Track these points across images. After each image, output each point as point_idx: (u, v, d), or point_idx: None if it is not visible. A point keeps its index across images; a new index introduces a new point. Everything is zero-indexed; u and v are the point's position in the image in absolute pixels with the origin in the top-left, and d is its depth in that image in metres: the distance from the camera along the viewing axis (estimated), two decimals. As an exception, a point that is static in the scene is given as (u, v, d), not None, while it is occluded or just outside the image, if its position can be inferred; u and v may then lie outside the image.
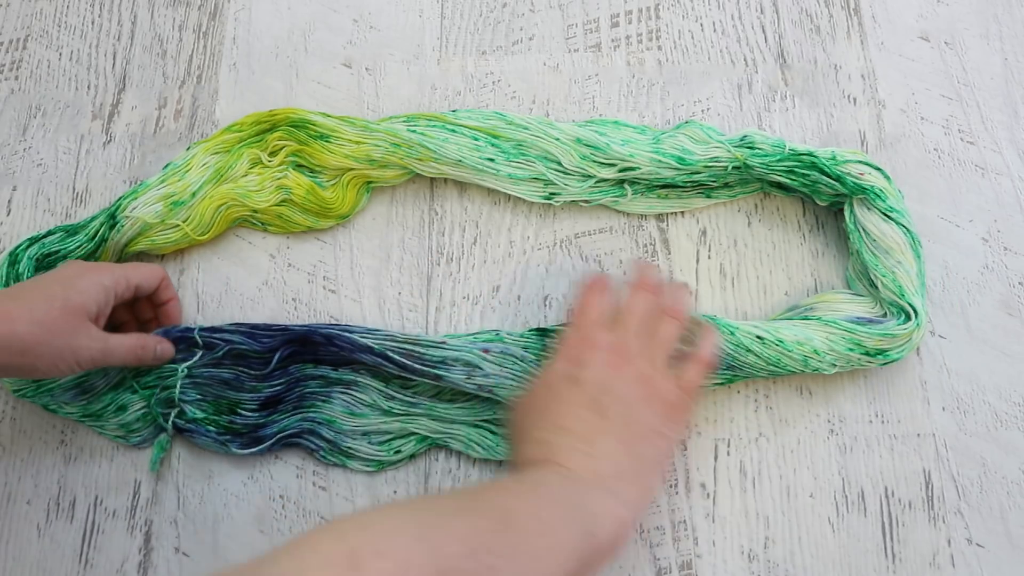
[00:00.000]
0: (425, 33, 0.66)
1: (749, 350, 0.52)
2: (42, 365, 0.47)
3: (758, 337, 0.52)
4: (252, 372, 0.54)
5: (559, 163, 0.58)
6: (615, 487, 0.43)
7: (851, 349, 0.53)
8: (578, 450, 0.43)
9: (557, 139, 0.58)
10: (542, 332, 0.54)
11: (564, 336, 0.49)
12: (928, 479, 0.53)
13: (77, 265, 0.52)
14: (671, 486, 0.53)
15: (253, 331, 0.55)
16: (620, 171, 0.58)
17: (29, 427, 0.55)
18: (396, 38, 0.65)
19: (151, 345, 0.53)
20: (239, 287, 0.59)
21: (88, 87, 0.64)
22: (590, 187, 0.59)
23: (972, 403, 0.55)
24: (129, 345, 0.51)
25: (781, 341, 0.52)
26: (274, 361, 0.54)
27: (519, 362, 0.52)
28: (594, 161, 0.58)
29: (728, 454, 0.54)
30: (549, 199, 0.59)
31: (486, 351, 0.52)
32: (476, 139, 0.59)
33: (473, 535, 0.34)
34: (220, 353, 0.54)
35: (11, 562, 0.52)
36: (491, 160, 0.58)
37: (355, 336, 0.53)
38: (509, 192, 0.59)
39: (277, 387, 0.54)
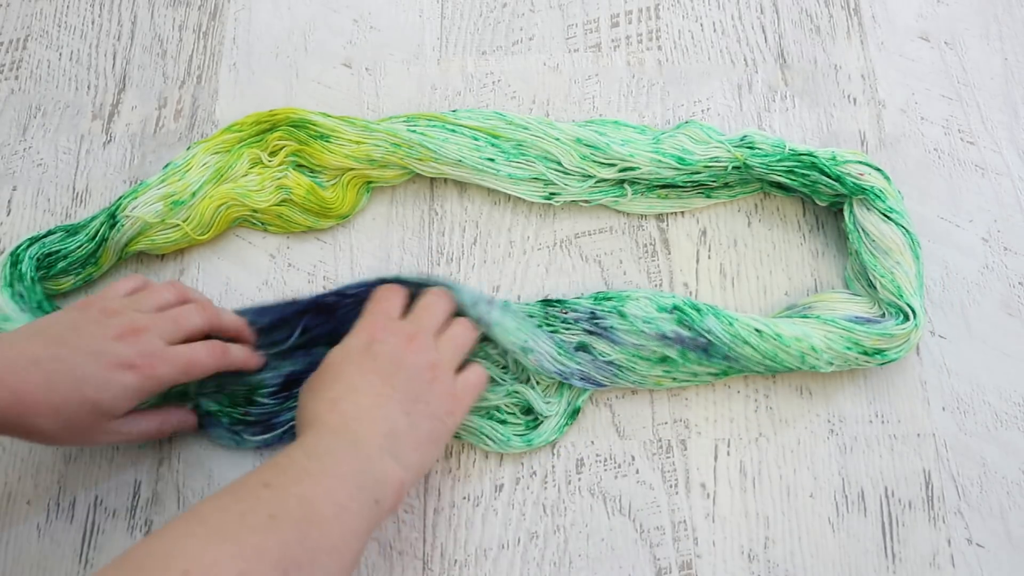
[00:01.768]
0: (425, 33, 0.66)
1: (746, 342, 0.52)
2: (44, 443, 0.47)
3: (756, 330, 0.52)
4: (273, 351, 0.54)
5: (559, 163, 0.58)
6: (396, 451, 0.45)
7: (849, 348, 0.53)
8: (364, 413, 0.46)
9: (557, 139, 0.58)
10: (547, 303, 0.55)
11: (361, 319, 0.51)
12: (928, 479, 0.53)
13: (117, 355, 0.46)
14: (671, 486, 0.53)
15: (263, 307, 0.55)
16: (620, 171, 0.58)
17: (29, 427, 0.55)
18: (396, 38, 0.65)
19: (174, 424, 0.52)
20: (239, 287, 0.59)
21: (88, 87, 0.64)
22: (590, 187, 0.59)
23: (972, 403, 0.55)
24: (152, 430, 0.50)
25: (779, 336, 0.52)
26: (295, 334, 0.53)
27: (524, 319, 0.54)
28: (594, 161, 0.58)
29: (728, 454, 0.54)
30: (549, 199, 0.59)
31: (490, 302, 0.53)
32: (476, 139, 0.59)
33: (287, 551, 0.37)
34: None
35: (11, 562, 0.52)
36: (491, 160, 0.58)
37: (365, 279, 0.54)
38: (509, 192, 0.59)
39: (297, 366, 0.54)
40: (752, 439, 0.55)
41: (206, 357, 0.49)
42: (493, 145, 0.59)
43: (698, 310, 0.53)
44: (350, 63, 0.65)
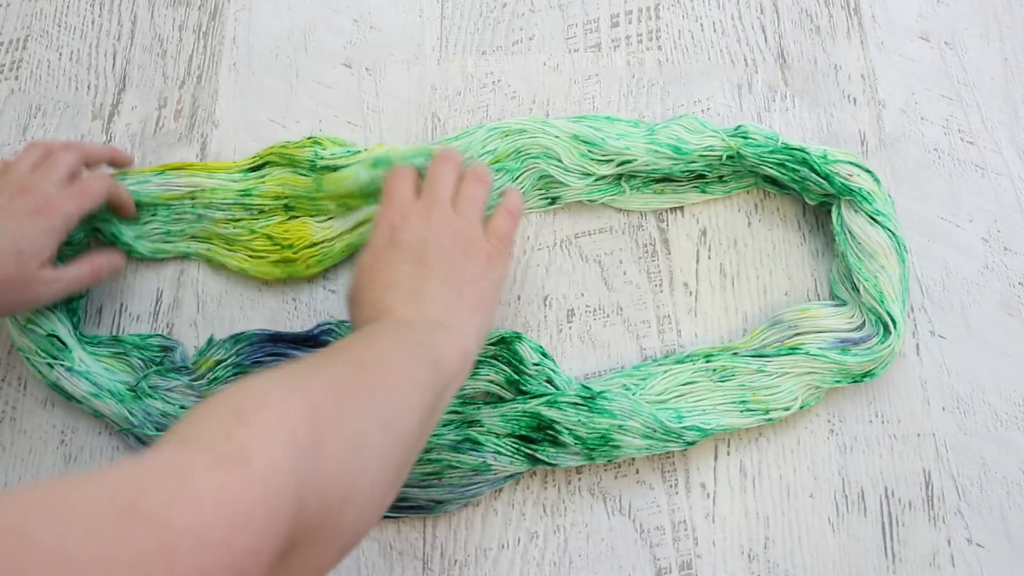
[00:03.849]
0: (425, 33, 0.66)
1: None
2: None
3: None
4: None
5: (559, 160, 0.58)
6: (449, 323, 0.46)
7: (839, 381, 0.53)
8: (407, 301, 0.46)
9: (556, 136, 0.58)
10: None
11: (379, 213, 0.51)
12: (928, 479, 0.53)
13: (29, 198, 0.50)
14: (671, 486, 0.53)
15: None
16: (618, 165, 0.58)
17: (29, 427, 0.55)
18: (396, 38, 0.65)
19: (104, 267, 0.55)
20: (239, 287, 0.59)
21: (88, 87, 0.64)
22: (589, 185, 0.59)
23: (972, 403, 0.55)
24: (85, 275, 0.53)
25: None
26: None
27: None
28: (592, 158, 0.58)
29: (728, 454, 0.54)
30: (552, 204, 0.59)
31: None
32: None
33: (336, 381, 0.38)
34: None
35: (11, 562, 0.52)
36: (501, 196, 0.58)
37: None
38: None
39: None
40: (752, 439, 0.55)
41: (96, 183, 0.53)
42: (498, 170, 0.58)
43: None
44: (350, 63, 0.65)
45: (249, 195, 0.58)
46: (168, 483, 0.29)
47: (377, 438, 0.37)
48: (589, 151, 0.58)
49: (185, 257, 0.59)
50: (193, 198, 0.58)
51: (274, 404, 0.33)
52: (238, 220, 0.58)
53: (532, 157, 0.59)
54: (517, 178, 0.59)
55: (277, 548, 0.31)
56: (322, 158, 0.57)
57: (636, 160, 0.57)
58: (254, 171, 0.59)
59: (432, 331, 0.45)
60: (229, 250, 0.58)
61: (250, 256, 0.58)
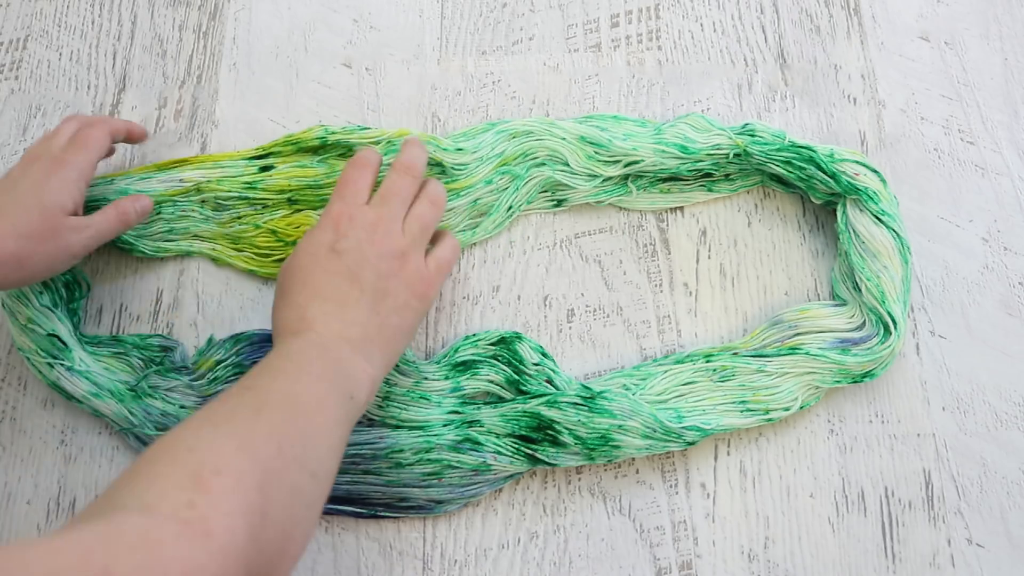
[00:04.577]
0: (425, 33, 0.66)
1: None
2: (39, 272, 0.50)
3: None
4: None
5: (566, 162, 0.58)
6: (365, 349, 0.47)
7: (839, 381, 0.53)
8: (331, 317, 0.47)
9: (563, 139, 0.58)
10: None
11: (328, 206, 0.51)
12: (928, 479, 0.53)
13: (41, 161, 0.51)
14: (671, 486, 0.53)
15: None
16: (625, 166, 0.58)
17: (29, 427, 0.55)
18: (396, 38, 0.65)
19: (130, 209, 0.55)
20: (239, 287, 0.59)
21: (88, 87, 0.64)
22: (596, 187, 0.59)
23: (972, 403, 0.55)
24: (112, 219, 0.53)
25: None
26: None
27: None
28: (599, 160, 0.58)
29: (728, 454, 0.54)
30: (558, 206, 0.59)
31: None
32: (489, 181, 0.58)
33: (275, 433, 0.39)
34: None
35: (11, 562, 0.52)
36: (510, 208, 0.58)
37: None
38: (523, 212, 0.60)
39: None
40: (752, 439, 0.55)
41: (95, 132, 0.54)
42: (503, 174, 0.58)
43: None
44: (350, 63, 0.65)
45: (254, 188, 0.58)
46: (138, 551, 0.32)
47: (308, 486, 0.40)
48: (596, 152, 0.58)
49: (187, 255, 0.59)
50: (199, 191, 0.58)
51: (230, 469, 0.36)
52: (242, 217, 0.58)
53: (538, 164, 0.58)
54: (521, 188, 0.58)
55: None
56: (333, 132, 0.58)
57: (643, 160, 0.57)
58: (259, 159, 0.59)
59: (350, 359, 0.46)
60: (235, 249, 0.58)
61: (256, 255, 0.58)
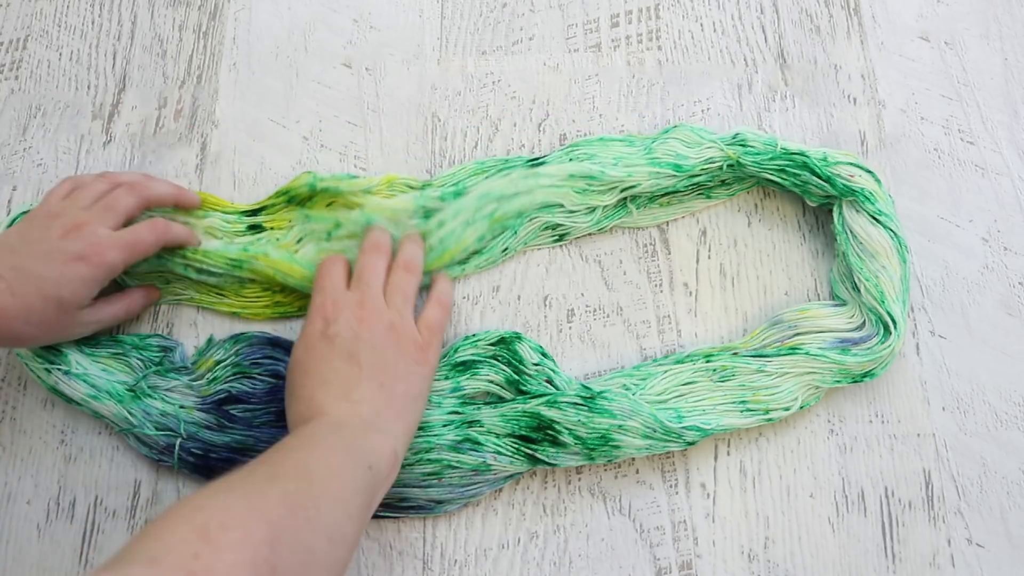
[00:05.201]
0: (425, 33, 0.66)
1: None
2: (34, 349, 0.52)
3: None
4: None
5: (562, 205, 0.57)
6: (380, 424, 0.47)
7: (839, 380, 0.53)
8: (340, 400, 0.47)
9: (550, 186, 0.57)
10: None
11: (312, 301, 0.52)
12: (928, 479, 0.53)
13: (66, 251, 0.49)
14: (671, 486, 0.53)
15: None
16: (620, 192, 0.58)
17: (29, 427, 0.55)
18: (396, 38, 0.65)
19: (138, 301, 0.55)
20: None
21: (88, 87, 0.64)
22: (595, 217, 0.58)
23: (972, 403, 0.55)
24: (119, 311, 0.54)
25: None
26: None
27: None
28: (594, 191, 0.57)
29: (728, 454, 0.54)
30: (561, 240, 0.59)
31: None
32: (482, 238, 0.57)
33: (287, 496, 0.39)
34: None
35: (11, 562, 0.52)
36: (505, 250, 0.58)
37: None
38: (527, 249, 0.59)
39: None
40: (752, 439, 0.55)
41: (148, 235, 0.52)
42: (497, 225, 0.57)
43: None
44: (350, 63, 0.65)
45: (240, 268, 0.55)
46: None
47: (323, 549, 0.40)
48: (588, 186, 0.57)
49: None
50: (184, 258, 0.55)
51: (237, 525, 0.36)
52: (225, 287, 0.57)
53: (532, 216, 0.57)
54: (519, 232, 0.57)
55: None
56: (322, 180, 0.57)
57: (639, 185, 0.57)
58: (250, 215, 0.58)
59: (366, 434, 0.46)
60: (220, 295, 0.57)
61: (241, 302, 0.57)
